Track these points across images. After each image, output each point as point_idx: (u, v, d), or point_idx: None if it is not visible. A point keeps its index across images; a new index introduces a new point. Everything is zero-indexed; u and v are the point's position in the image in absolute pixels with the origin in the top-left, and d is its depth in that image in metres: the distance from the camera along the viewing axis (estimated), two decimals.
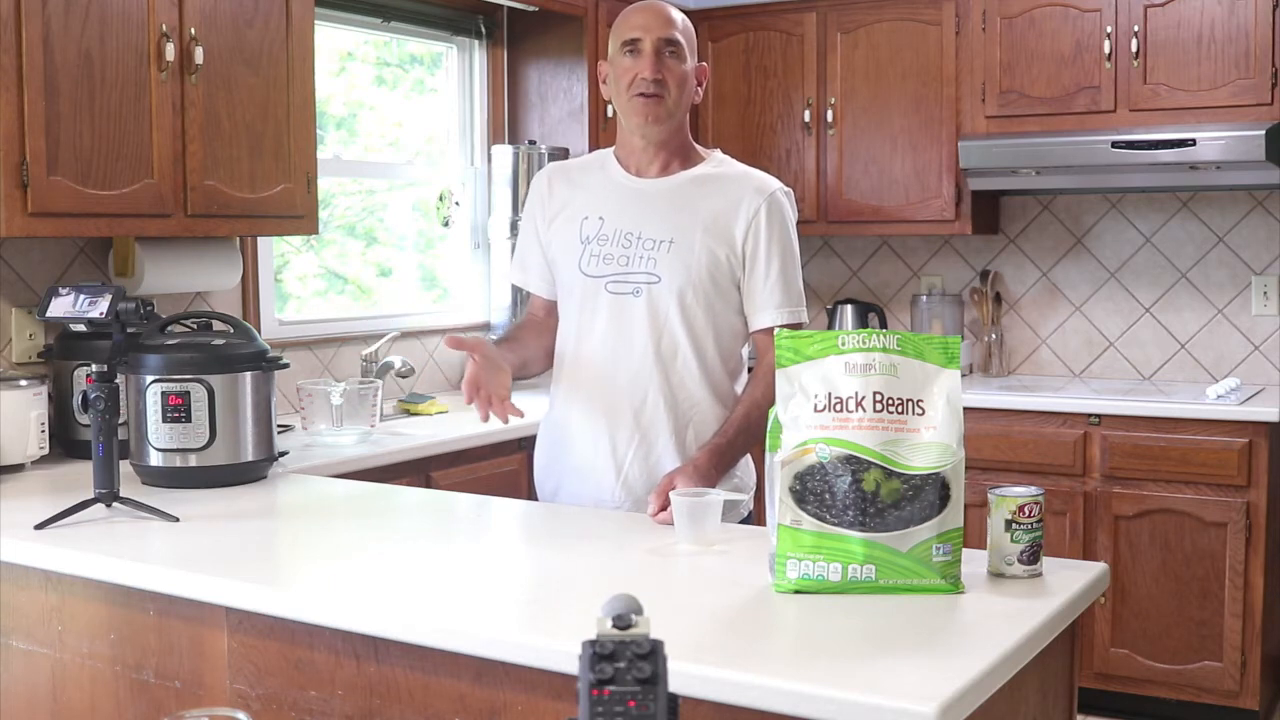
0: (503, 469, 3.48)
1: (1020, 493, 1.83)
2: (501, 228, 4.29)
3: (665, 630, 1.11)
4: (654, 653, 0.97)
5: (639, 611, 1.01)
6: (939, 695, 1.38)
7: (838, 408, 1.76)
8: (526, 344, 2.53)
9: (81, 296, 2.34)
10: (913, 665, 1.50)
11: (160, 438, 2.53)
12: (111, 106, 2.83)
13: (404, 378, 3.92)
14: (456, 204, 4.45)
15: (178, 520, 2.24)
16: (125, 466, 2.44)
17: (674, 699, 0.98)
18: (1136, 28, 4.04)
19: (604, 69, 2.48)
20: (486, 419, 2.24)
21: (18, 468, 2.76)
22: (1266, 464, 3.75)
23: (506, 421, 2.27)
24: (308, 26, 3.31)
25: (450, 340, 2.23)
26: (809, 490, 1.74)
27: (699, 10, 4.69)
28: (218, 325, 2.68)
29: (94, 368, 2.27)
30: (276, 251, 3.85)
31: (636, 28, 2.38)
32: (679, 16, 2.41)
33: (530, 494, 2.98)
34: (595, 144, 4.30)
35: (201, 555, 2.05)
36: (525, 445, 3.48)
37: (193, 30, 2.97)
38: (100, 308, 2.31)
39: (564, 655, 1.56)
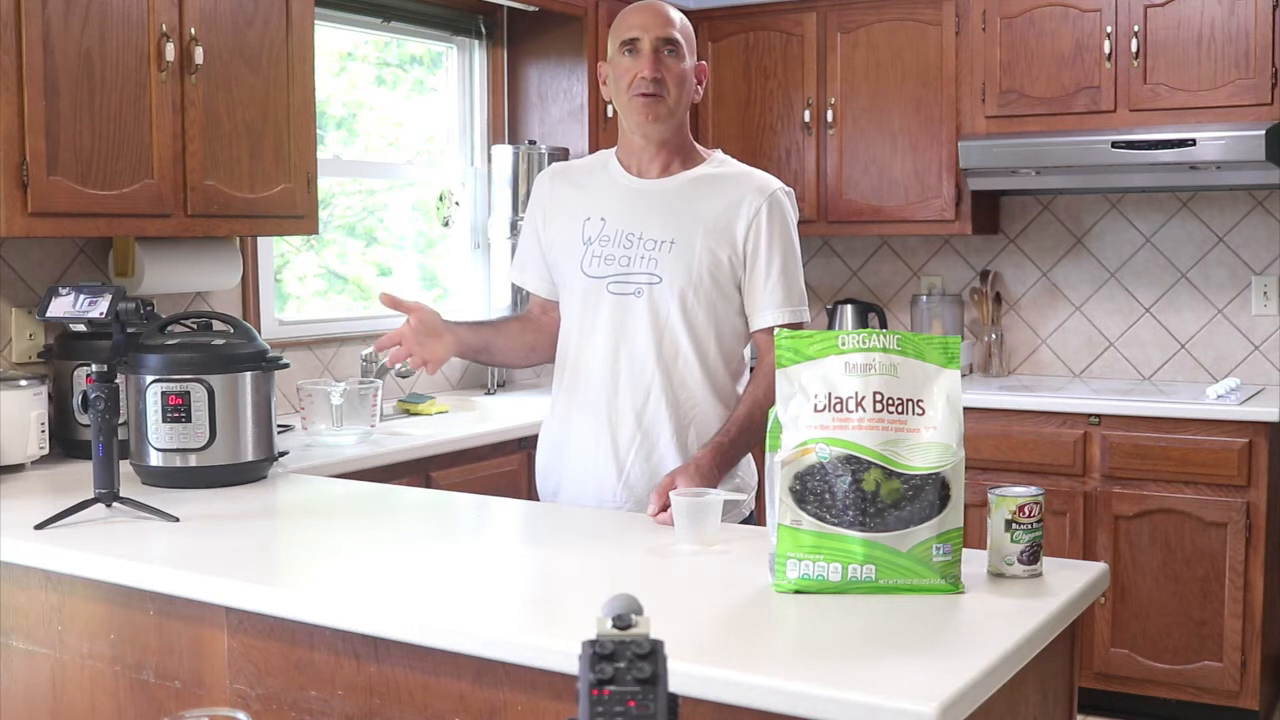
0: (503, 469, 3.48)
1: (1020, 493, 1.83)
2: (501, 228, 4.29)
3: (665, 630, 1.11)
4: (654, 653, 0.97)
5: (639, 611, 1.01)
6: (939, 695, 1.38)
7: (838, 408, 1.76)
8: (503, 331, 2.58)
9: (81, 296, 2.33)
10: (913, 665, 1.50)
11: (160, 438, 2.53)
12: (111, 106, 2.83)
13: (404, 378, 3.92)
14: (456, 204, 4.45)
15: (178, 520, 2.24)
16: (125, 466, 2.44)
17: (674, 699, 0.98)
18: (1136, 28, 4.04)
19: (603, 70, 2.48)
20: (385, 357, 2.39)
21: (18, 468, 2.76)
22: (1266, 464, 3.75)
23: (399, 363, 2.41)
24: (308, 26, 3.31)
25: (386, 298, 2.36)
26: (809, 490, 1.74)
27: (699, 10, 4.69)
28: (218, 325, 2.68)
29: (94, 368, 2.27)
30: (276, 251, 3.85)
31: (635, 27, 2.38)
32: (677, 15, 2.42)
33: (530, 494, 2.98)
34: (595, 144, 4.30)
35: (201, 555, 2.05)
36: (525, 445, 3.49)
37: (193, 30, 2.97)
38: (100, 308, 2.31)
39: (564, 655, 1.56)
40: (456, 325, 2.46)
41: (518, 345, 2.57)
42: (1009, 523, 1.82)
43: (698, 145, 2.50)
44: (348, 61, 4.22)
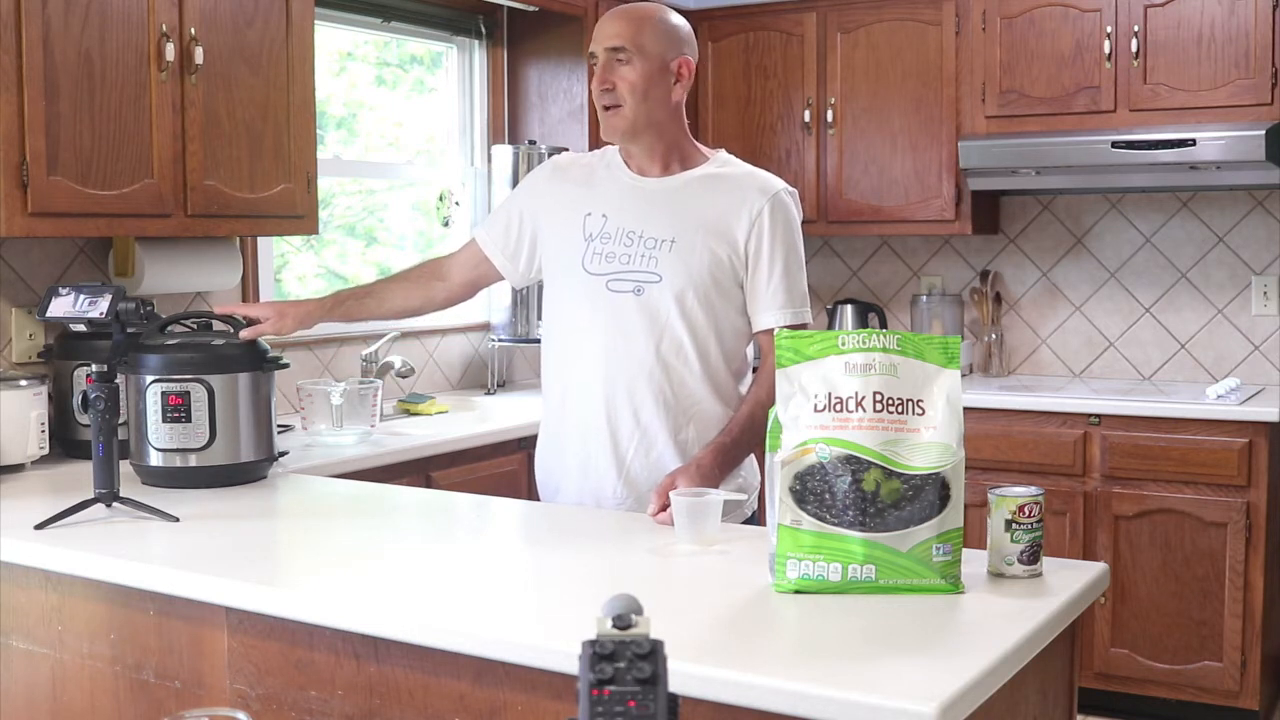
0: (503, 469, 3.48)
1: (1020, 493, 1.83)
2: None
3: (665, 630, 1.11)
4: (654, 653, 0.97)
5: (639, 611, 1.01)
6: (939, 695, 1.38)
7: (838, 408, 1.76)
8: (376, 296, 2.68)
9: (81, 296, 2.34)
10: (913, 665, 1.50)
11: (160, 438, 2.53)
12: (111, 106, 2.83)
13: (404, 378, 3.92)
14: (456, 204, 4.45)
15: (178, 520, 2.24)
16: (125, 466, 2.44)
17: (674, 699, 0.98)
18: (1136, 28, 4.04)
19: None
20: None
21: (18, 468, 2.76)
22: (1266, 464, 3.75)
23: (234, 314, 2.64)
24: (308, 26, 3.31)
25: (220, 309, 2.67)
26: (809, 490, 1.74)
27: (699, 10, 4.69)
28: (218, 325, 2.68)
29: (94, 368, 2.27)
30: (276, 251, 3.86)
31: (593, 40, 2.40)
32: (636, 19, 2.37)
33: (530, 494, 2.98)
34: (595, 144, 4.30)
35: (201, 555, 2.05)
36: (525, 445, 3.48)
37: (193, 30, 2.97)
38: (100, 308, 2.31)
39: (564, 655, 1.56)
40: (307, 302, 2.70)
41: (394, 310, 2.69)
42: (1009, 523, 1.82)
43: (699, 145, 2.50)
44: (348, 61, 4.22)
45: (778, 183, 2.43)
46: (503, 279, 2.63)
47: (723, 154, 2.49)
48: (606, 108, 2.37)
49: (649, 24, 2.38)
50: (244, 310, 2.65)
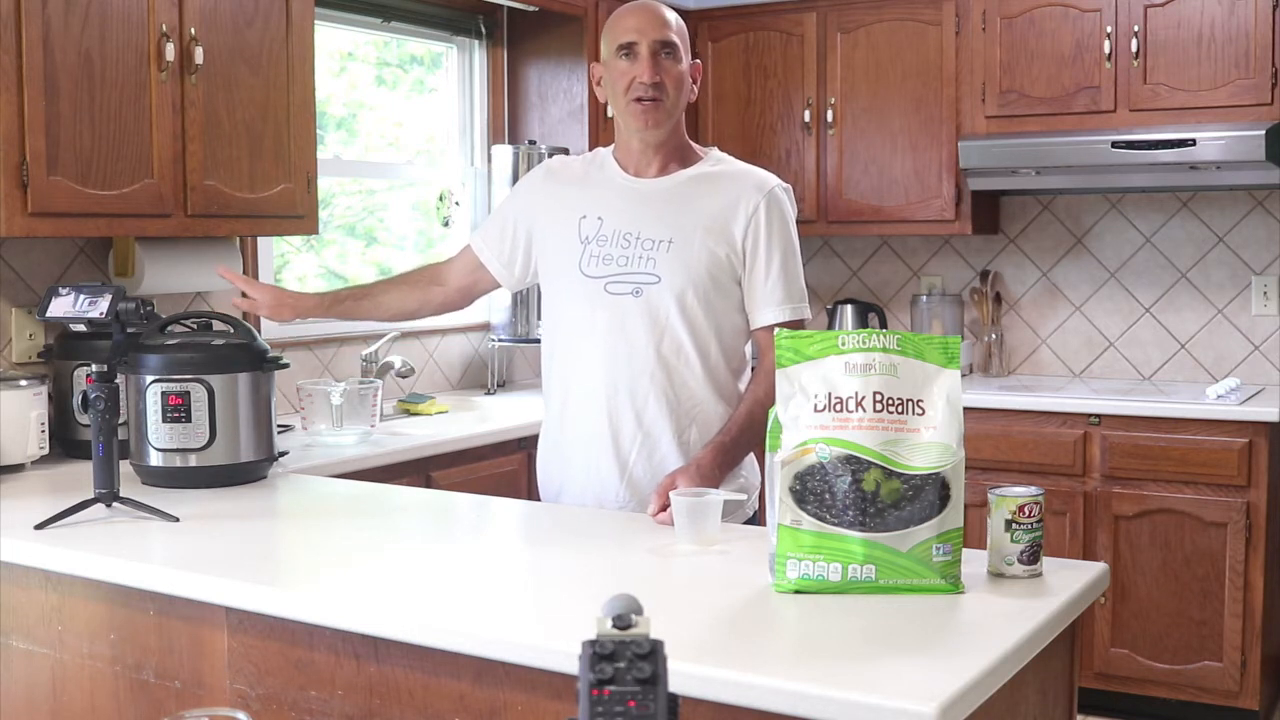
0: (503, 469, 3.48)
1: (1020, 493, 1.83)
2: None
3: (665, 630, 1.11)
4: (654, 653, 0.97)
5: (639, 611, 1.01)
6: (939, 695, 1.38)
7: (838, 408, 1.76)
8: (372, 297, 2.69)
9: (81, 296, 2.33)
10: (913, 665, 1.50)
11: (160, 438, 2.53)
12: (111, 106, 2.83)
13: (404, 378, 3.92)
14: (456, 204, 4.45)
15: (178, 520, 2.24)
16: (125, 466, 2.44)
17: (674, 699, 0.98)
18: (1136, 28, 4.04)
19: (597, 71, 2.47)
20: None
21: (18, 468, 2.76)
22: (1266, 464, 3.75)
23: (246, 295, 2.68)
24: (308, 26, 3.31)
25: (225, 271, 2.72)
26: (809, 490, 1.74)
27: (699, 10, 4.69)
28: (218, 325, 2.68)
29: (94, 368, 2.27)
30: (276, 251, 3.86)
31: (631, 30, 2.37)
32: (672, 16, 2.41)
33: (530, 494, 2.98)
34: (595, 144, 4.30)
35: (201, 555, 2.05)
36: (525, 445, 3.49)
37: (193, 30, 2.98)
38: (100, 308, 2.31)
39: (564, 655, 1.56)
40: (307, 295, 2.74)
41: (391, 312, 2.70)
42: (1009, 523, 1.82)
43: (694, 144, 2.50)
44: (348, 61, 4.22)
45: (772, 179, 2.43)
46: (499, 286, 2.63)
47: (715, 152, 2.50)
48: (644, 99, 2.36)
49: (681, 25, 2.43)
50: (246, 286, 2.69)
